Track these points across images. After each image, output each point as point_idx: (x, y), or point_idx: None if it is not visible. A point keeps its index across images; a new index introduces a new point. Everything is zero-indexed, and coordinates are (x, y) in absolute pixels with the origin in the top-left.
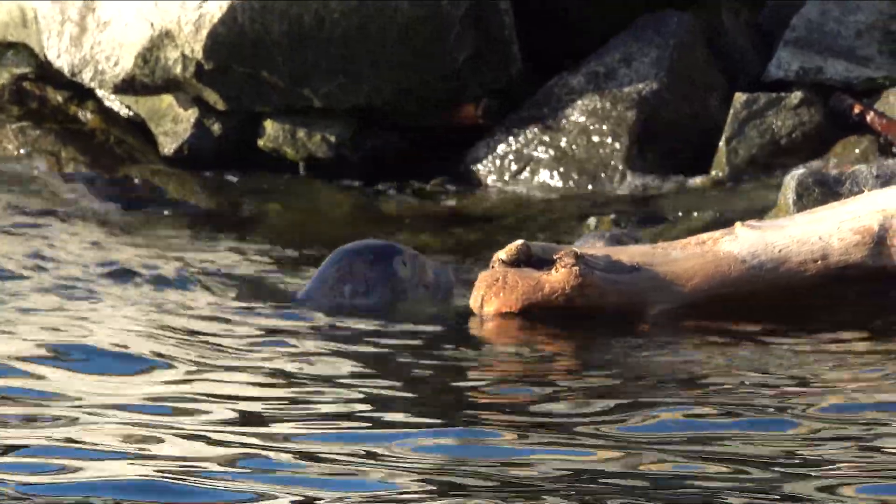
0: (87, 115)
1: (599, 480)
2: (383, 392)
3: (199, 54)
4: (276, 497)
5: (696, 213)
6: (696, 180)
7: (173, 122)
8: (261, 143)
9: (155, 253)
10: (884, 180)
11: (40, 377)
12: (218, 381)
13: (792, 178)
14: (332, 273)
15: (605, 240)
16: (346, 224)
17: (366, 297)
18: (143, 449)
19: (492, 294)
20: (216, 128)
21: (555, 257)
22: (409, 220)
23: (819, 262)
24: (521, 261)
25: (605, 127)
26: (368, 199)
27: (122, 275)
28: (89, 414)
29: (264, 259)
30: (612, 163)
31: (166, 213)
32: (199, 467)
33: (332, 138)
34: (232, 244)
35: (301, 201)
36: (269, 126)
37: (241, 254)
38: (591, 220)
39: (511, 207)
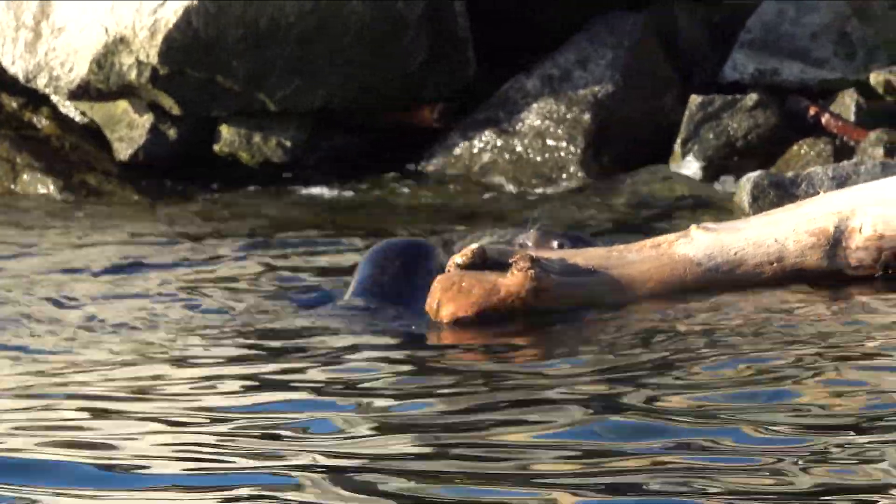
0: (42, 122)
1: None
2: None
3: (154, 59)
4: None
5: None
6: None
7: (129, 128)
8: (217, 148)
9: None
10: (839, 182)
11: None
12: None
13: (747, 181)
14: (371, 277)
15: (541, 234)
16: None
17: (405, 296)
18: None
19: (447, 298)
20: (172, 133)
21: (510, 261)
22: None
23: (775, 264)
24: (477, 264)
25: (560, 130)
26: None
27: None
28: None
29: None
30: (568, 166)
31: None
32: None
33: (288, 143)
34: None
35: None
36: (225, 131)
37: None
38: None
39: (466, 210)
